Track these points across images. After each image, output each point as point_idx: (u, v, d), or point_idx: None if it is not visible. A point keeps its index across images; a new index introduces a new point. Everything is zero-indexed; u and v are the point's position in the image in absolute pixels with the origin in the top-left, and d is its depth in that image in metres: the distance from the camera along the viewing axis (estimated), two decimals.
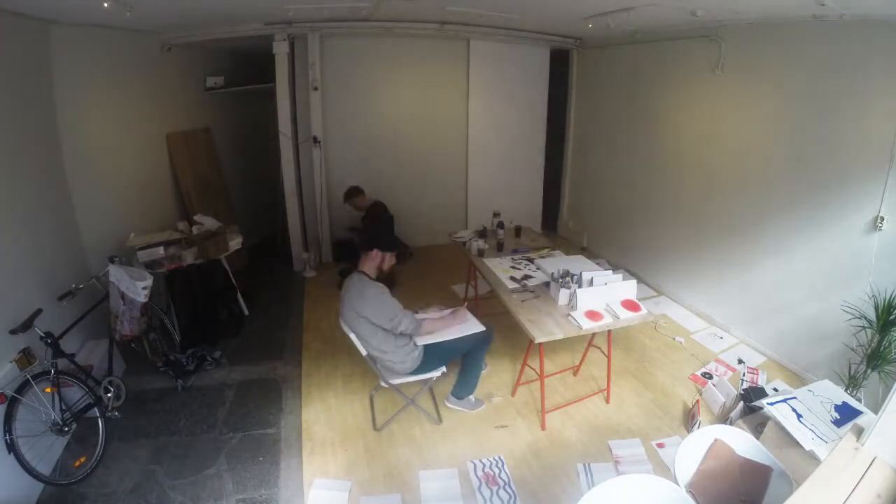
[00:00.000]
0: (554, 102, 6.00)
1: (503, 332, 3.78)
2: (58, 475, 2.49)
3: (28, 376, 2.37)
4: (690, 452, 1.84)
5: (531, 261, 3.48)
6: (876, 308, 2.66)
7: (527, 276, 3.21)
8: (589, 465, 2.57)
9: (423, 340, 2.68)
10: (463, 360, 2.90)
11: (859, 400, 2.54)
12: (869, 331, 2.70)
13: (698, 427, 2.72)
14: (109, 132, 3.66)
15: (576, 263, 3.32)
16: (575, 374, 3.40)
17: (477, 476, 2.52)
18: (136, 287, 2.84)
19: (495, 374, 3.38)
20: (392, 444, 2.75)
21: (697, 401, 2.99)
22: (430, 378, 2.77)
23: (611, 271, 2.98)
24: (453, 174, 5.81)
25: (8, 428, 2.25)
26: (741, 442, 1.88)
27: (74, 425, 2.59)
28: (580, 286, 2.82)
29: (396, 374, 2.68)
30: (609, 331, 2.88)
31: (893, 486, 1.37)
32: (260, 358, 3.63)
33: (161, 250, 3.49)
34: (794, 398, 2.41)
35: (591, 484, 2.45)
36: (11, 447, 2.25)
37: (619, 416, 2.99)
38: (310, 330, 4.03)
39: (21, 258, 2.67)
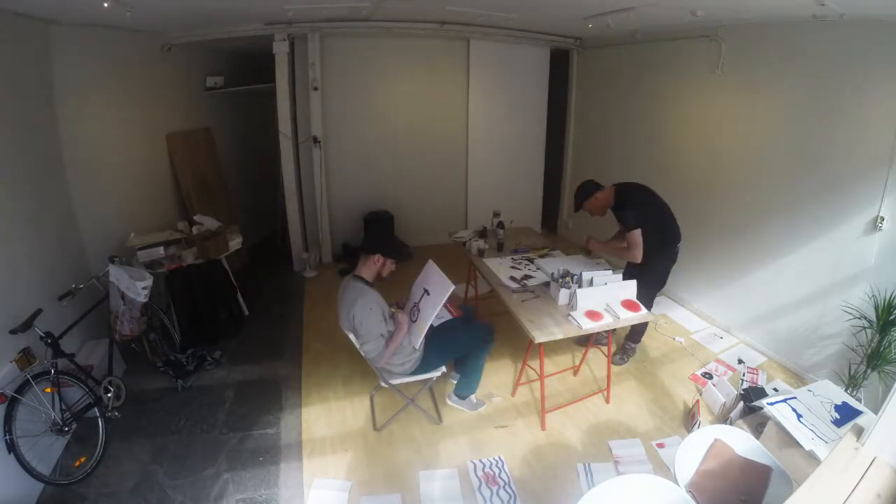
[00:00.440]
0: (554, 102, 6.00)
1: (503, 332, 3.78)
2: (58, 475, 2.49)
3: (28, 376, 2.37)
4: (690, 452, 1.84)
5: (531, 261, 3.48)
6: (876, 308, 2.66)
7: (527, 276, 3.21)
8: (589, 465, 2.57)
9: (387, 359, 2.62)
10: (465, 360, 2.89)
11: (859, 400, 2.54)
12: (869, 331, 2.70)
13: (698, 427, 2.72)
14: (109, 132, 3.66)
15: (576, 263, 3.32)
16: (575, 374, 3.40)
17: (477, 476, 2.52)
18: (136, 287, 2.84)
19: (495, 374, 3.38)
20: (392, 444, 2.75)
21: (697, 401, 2.99)
22: (430, 378, 2.77)
23: (611, 271, 2.98)
24: (453, 174, 5.81)
25: (8, 428, 2.25)
26: (741, 442, 1.88)
27: (74, 425, 2.59)
28: (580, 286, 2.82)
29: (396, 375, 2.68)
30: (609, 331, 2.88)
31: (893, 486, 1.37)
32: (260, 358, 3.63)
33: (161, 250, 3.49)
34: (794, 398, 2.41)
35: (591, 484, 2.45)
36: (11, 447, 2.25)
37: (619, 416, 2.99)
38: (310, 330, 4.03)
39: (21, 258, 2.67)
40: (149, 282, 2.94)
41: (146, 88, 4.05)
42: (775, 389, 3.04)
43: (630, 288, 2.88)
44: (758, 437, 2.22)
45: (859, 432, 1.58)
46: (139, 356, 3.31)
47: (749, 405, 2.81)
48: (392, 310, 2.72)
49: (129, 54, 3.80)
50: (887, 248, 2.78)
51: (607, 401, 3.11)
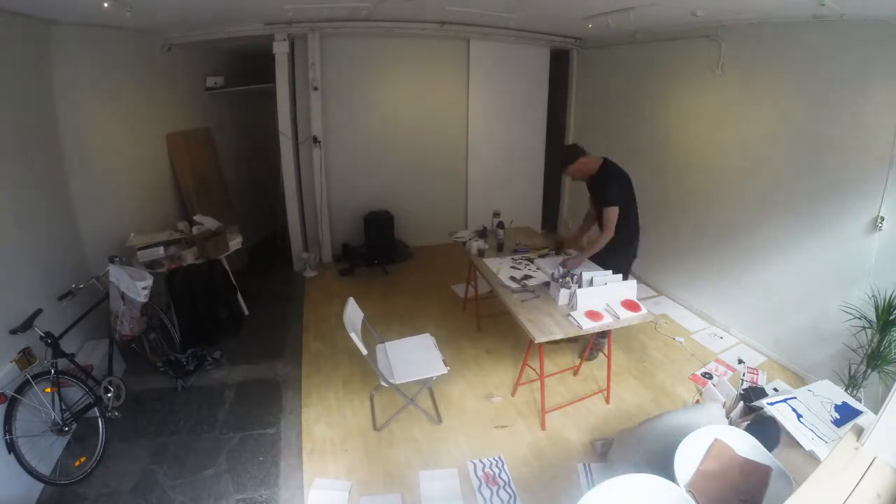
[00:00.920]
0: (554, 102, 5.99)
1: (503, 332, 3.79)
2: (58, 475, 2.49)
3: (28, 376, 2.37)
4: (690, 452, 1.84)
5: (531, 261, 3.48)
6: (876, 308, 2.66)
7: (527, 276, 3.21)
8: (589, 465, 2.57)
9: None
10: None
11: (859, 400, 2.53)
12: (869, 331, 2.70)
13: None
14: (109, 132, 3.66)
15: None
16: (575, 374, 3.40)
17: (477, 476, 2.52)
18: (136, 287, 2.84)
19: (495, 374, 3.38)
20: (392, 444, 2.75)
21: (697, 401, 2.99)
22: (430, 378, 2.77)
23: (610, 271, 2.98)
24: (453, 174, 5.81)
25: (8, 428, 2.26)
26: (741, 442, 1.88)
27: (74, 425, 2.59)
28: (580, 286, 2.82)
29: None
30: (609, 331, 2.88)
31: (893, 485, 1.37)
32: (260, 358, 3.63)
33: (161, 250, 3.49)
34: (794, 398, 2.41)
35: (591, 484, 2.45)
36: (11, 447, 2.26)
37: (619, 416, 2.99)
38: (310, 330, 4.03)
39: (21, 258, 2.67)
40: (149, 282, 2.94)
41: (146, 88, 4.05)
42: (775, 389, 3.04)
43: (630, 288, 2.88)
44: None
45: (859, 432, 1.58)
46: (139, 356, 3.31)
47: (749, 405, 2.80)
48: None
49: (129, 54, 3.80)
50: (887, 248, 2.78)
51: (607, 401, 3.11)
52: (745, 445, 1.87)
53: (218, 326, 3.88)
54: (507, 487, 2.45)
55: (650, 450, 2.12)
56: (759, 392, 2.93)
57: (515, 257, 3.55)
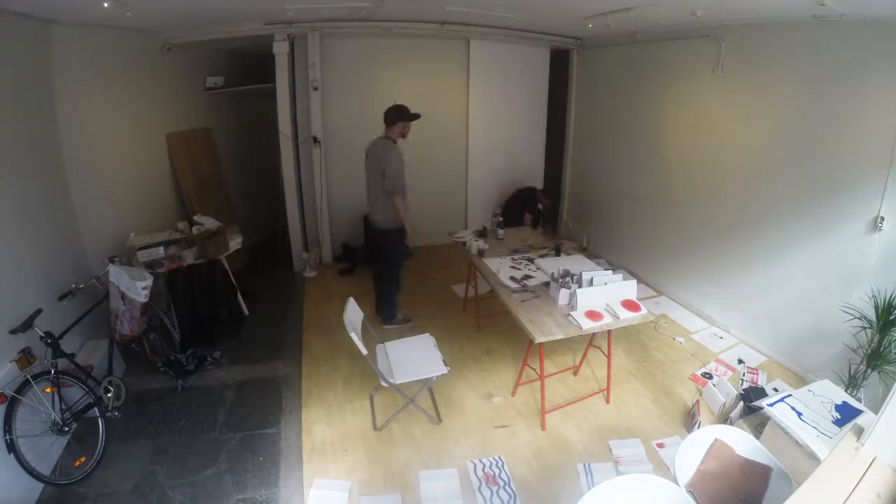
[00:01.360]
0: (554, 102, 5.99)
1: (503, 332, 3.79)
2: (58, 475, 2.49)
3: (28, 376, 2.37)
4: (690, 452, 1.84)
5: (531, 261, 3.48)
6: (876, 308, 2.66)
7: (527, 276, 3.21)
8: (589, 465, 2.57)
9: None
10: (380, 293, 3.87)
11: (859, 400, 2.54)
12: (869, 331, 2.70)
13: (698, 427, 2.72)
14: (109, 132, 3.66)
15: (576, 263, 3.33)
16: (575, 374, 3.41)
17: (477, 476, 2.52)
18: (136, 287, 2.84)
19: (495, 374, 3.38)
20: (392, 444, 2.75)
21: (697, 401, 2.99)
22: (430, 378, 2.77)
23: (611, 271, 2.98)
24: (453, 174, 5.81)
25: (8, 428, 2.26)
26: (741, 442, 1.88)
27: (74, 425, 2.59)
28: (580, 286, 2.82)
29: (377, 222, 3.72)
30: (609, 331, 2.88)
31: (893, 486, 1.37)
32: (260, 358, 3.63)
33: (161, 250, 3.49)
34: (791, 395, 2.41)
35: (591, 484, 2.45)
36: (11, 447, 2.25)
37: (619, 416, 2.99)
38: (310, 330, 4.03)
39: (21, 258, 2.67)
40: (149, 282, 2.93)
41: (146, 88, 4.05)
42: (775, 389, 3.05)
43: (630, 288, 2.88)
44: (758, 437, 2.22)
45: (859, 432, 1.58)
46: (139, 356, 3.31)
47: (749, 405, 2.81)
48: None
49: (129, 54, 3.80)
50: (887, 249, 2.78)
51: (607, 401, 3.11)
52: (745, 445, 1.87)
53: (218, 326, 3.88)
54: (507, 487, 2.45)
55: None
56: (759, 392, 2.94)
57: (515, 257, 3.55)
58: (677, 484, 1.69)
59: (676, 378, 3.35)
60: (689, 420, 2.90)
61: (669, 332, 3.96)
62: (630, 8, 3.38)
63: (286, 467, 2.61)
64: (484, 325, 4.01)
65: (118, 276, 2.82)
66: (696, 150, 4.15)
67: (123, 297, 2.83)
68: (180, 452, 2.70)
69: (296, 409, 3.06)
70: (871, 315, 2.69)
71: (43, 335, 2.44)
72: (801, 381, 3.25)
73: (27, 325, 2.39)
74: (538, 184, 6.27)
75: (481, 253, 3.65)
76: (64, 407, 2.50)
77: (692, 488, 1.71)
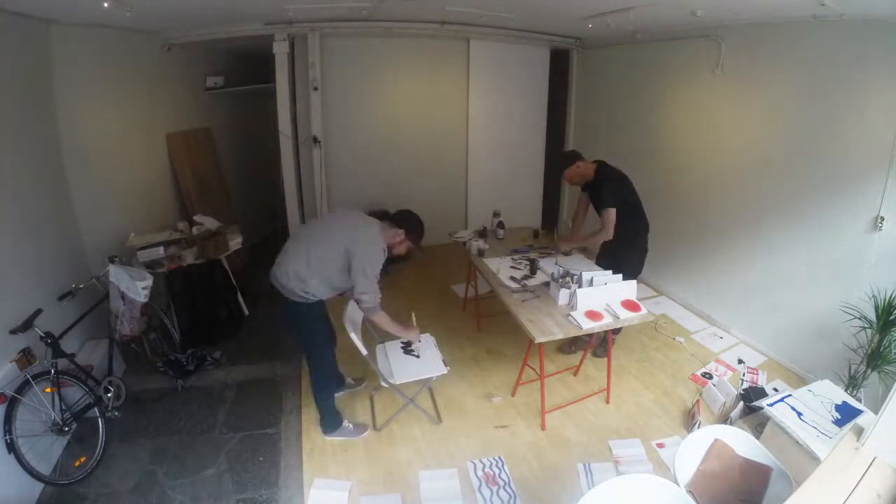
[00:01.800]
0: (554, 102, 5.99)
1: (503, 332, 3.79)
2: (58, 475, 2.49)
3: (28, 376, 2.36)
4: (690, 452, 1.84)
5: (531, 261, 3.47)
6: (876, 308, 2.66)
7: (527, 276, 3.20)
8: (589, 465, 2.57)
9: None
10: (313, 392, 2.77)
11: (859, 400, 2.54)
12: (869, 331, 2.70)
13: (698, 427, 2.72)
14: (109, 132, 3.66)
15: (576, 263, 3.32)
16: (575, 374, 3.41)
17: (477, 476, 2.52)
18: (136, 287, 2.84)
19: (495, 374, 3.38)
20: (392, 444, 2.75)
21: (697, 401, 2.99)
22: (430, 378, 2.77)
23: (610, 271, 2.98)
24: (453, 174, 5.81)
25: (8, 428, 2.25)
26: (741, 442, 1.88)
27: (74, 425, 2.59)
28: (580, 286, 2.82)
29: (288, 290, 2.45)
30: (609, 331, 2.88)
31: (893, 485, 1.37)
32: (260, 358, 3.63)
33: (161, 250, 3.49)
34: (791, 395, 2.41)
35: (591, 484, 2.45)
36: (11, 447, 2.25)
37: (619, 416, 2.99)
38: None
39: (21, 258, 2.66)
40: (149, 282, 2.94)
41: (146, 88, 4.05)
42: (775, 389, 3.05)
43: (630, 288, 2.88)
44: (758, 437, 2.22)
45: (859, 432, 1.58)
46: (139, 356, 3.31)
47: (749, 405, 2.81)
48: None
49: (129, 54, 3.80)
50: (887, 248, 2.78)
51: (607, 401, 3.11)
52: (746, 445, 1.87)
53: (218, 326, 3.88)
54: (507, 487, 2.45)
55: None
56: (759, 392, 2.94)
57: (515, 257, 3.55)
58: (677, 484, 1.69)
59: (676, 378, 3.35)
60: (689, 420, 2.90)
61: (669, 332, 3.96)
62: (630, 8, 3.38)
63: (286, 467, 2.61)
64: (484, 325, 4.01)
65: (118, 276, 2.82)
66: (696, 150, 4.15)
67: (123, 297, 2.83)
68: (180, 452, 2.70)
69: (296, 409, 3.05)
70: (871, 315, 2.69)
71: (43, 335, 2.44)
72: (801, 381, 3.24)
73: (27, 325, 2.39)
74: (538, 183, 6.28)
75: (481, 253, 3.65)
76: (64, 407, 2.50)
77: (692, 488, 1.71)
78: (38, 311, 2.47)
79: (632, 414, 3.00)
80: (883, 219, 2.77)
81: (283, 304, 2.53)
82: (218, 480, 2.52)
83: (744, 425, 2.58)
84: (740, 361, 3.51)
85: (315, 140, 4.95)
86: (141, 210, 3.97)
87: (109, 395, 2.78)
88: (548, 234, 4.34)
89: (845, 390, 2.62)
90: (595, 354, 3.50)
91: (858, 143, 2.88)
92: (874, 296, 2.68)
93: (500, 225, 4.02)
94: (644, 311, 2.79)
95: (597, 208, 3.21)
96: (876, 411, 1.65)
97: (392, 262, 5.14)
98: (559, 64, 5.83)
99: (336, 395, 2.94)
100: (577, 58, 5.76)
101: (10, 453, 2.25)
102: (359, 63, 5.03)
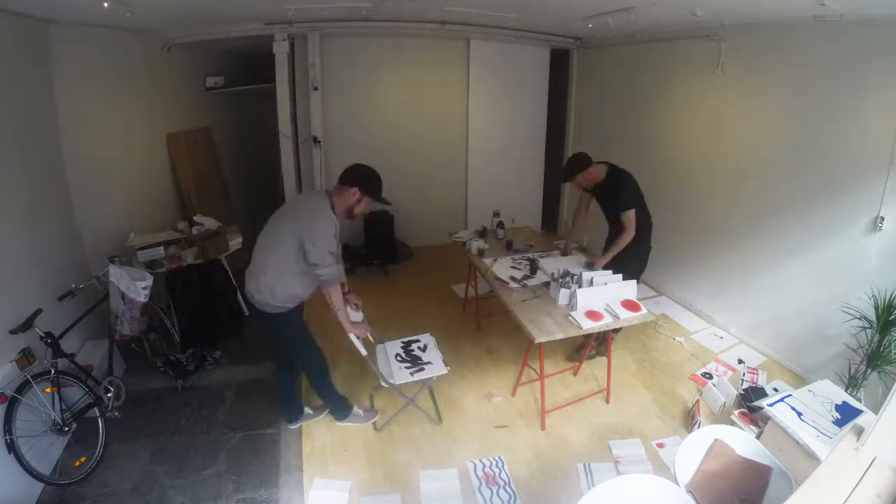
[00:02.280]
0: (554, 102, 5.99)
1: (503, 332, 3.79)
2: (58, 475, 2.49)
3: (28, 376, 2.36)
4: (690, 452, 1.84)
5: (531, 261, 3.47)
6: (876, 308, 2.66)
7: (527, 276, 3.20)
8: (589, 465, 2.57)
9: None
10: (315, 390, 2.79)
11: (859, 400, 2.54)
12: (869, 331, 2.70)
13: (698, 427, 2.72)
14: (109, 132, 3.66)
15: (576, 263, 3.32)
16: (575, 374, 3.40)
17: (477, 476, 2.52)
18: (136, 287, 2.84)
19: (495, 374, 3.38)
20: (392, 444, 2.75)
21: (697, 401, 2.99)
22: (430, 378, 2.77)
23: (610, 271, 2.98)
24: (453, 174, 5.81)
25: (8, 428, 2.25)
26: (741, 442, 1.88)
27: (74, 425, 2.59)
28: (580, 286, 2.82)
29: (263, 304, 2.41)
30: (609, 331, 2.88)
31: (893, 486, 1.37)
32: (260, 358, 3.62)
33: (161, 250, 3.49)
34: (791, 395, 2.41)
35: (591, 484, 2.45)
36: (11, 447, 2.25)
37: (619, 416, 2.99)
38: (310, 329, 4.02)
39: (21, 258, 2.66)
40: (149, 282, 2.94)
41: (146, 88, 4.05)
42: (775, 389, 3.05)
43: (630, 288, 2.88)
44: (758, 438, 2.22)
45: (859, 432, 1.58)
46: (139, 356, 3.31)
47: (749, 405, 2.81)
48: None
49: (129, 54, 3.80)
50: (887, 249, 2.78)
51: (607, 401, 3.11)
52: (745, 445, 1.87)
53: (218, 326, 3.87)
54: (507, 487, 2.45)
55: None
56: (759, 392, 2.95)
57: (515, 257, 3.55)
58: (677, 484, 1.69)
59: (676, 378, 3.35)
60: (689, 420, 2.90)
61: (669, 332, 3.96)
62: (630, 8, 3.38)
63: (286, 467, 2.61)
64: (484, 325, 4.01)
65: (118, 276, 2.83)
66: (696, 150, 4.15)
67: (123, 297, 2.83)
68: (180, 452, 2.69)
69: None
70: (871, 315, 2.69)
71: (43, 335, 2.44)
72: (801, 381, 3.24)
73: (27, 325, 2.39)
74: (538, 183, 6.28)
75: (481, 253, 3.65)
76: (64, 407, 2.50)
77: (692, 488, 1.71)
78: (38, 311, 2.47)
79: (632, 414, 3.00)
80: (883, 219, 2.77)
81: (261, 318, 2.47)
82: (218, 480, 2.52)
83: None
84: (740, 361, 3.51)
85: (315, 140, 4.95)
86: (141, 210, 3.97)
87: (109, 395, 2.78)
88: (547, 235, 4.34)
89: (845, 390, 2.62)
90: (590, 357, 3.49)
91: (858, 143, 2.88)
92: (874, 296, 2.68)
93: (500, 225, 4.02)
94: (644, 311, 2.79)
95: (612, 210, 3.21)
96: (876, 411, 1.65)
97: (391, 261, 5.19)
98: (559, 64, 5.83)
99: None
100: (577, 58, 5.76)
101: (10, 453, 2.25)
102: (359, 63, 5.03)
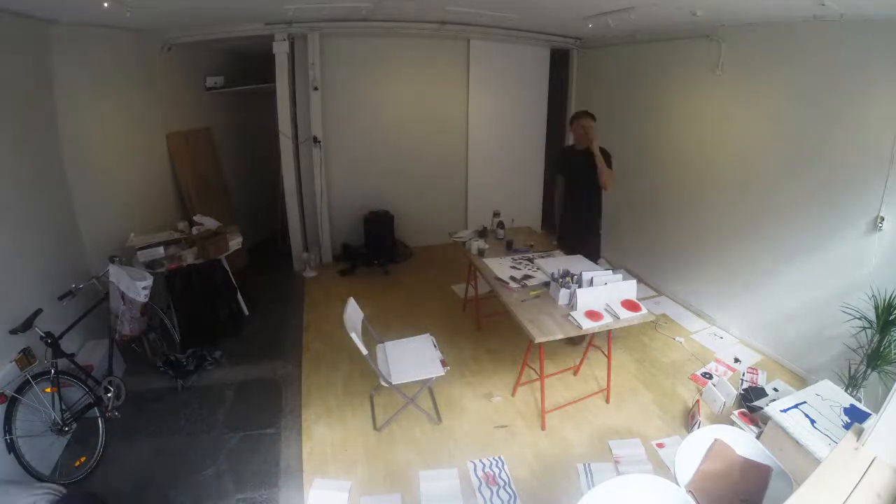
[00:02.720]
0: (554, 102, 5.99)
1: (503, 332, 3.79)
2: (58, 475, 2.49)
3: (28, 376, 2.37)
4: (690, 452, 1.84)
5: (531, 261, 3.48)
6: (876, 308, 2.66)
7: (527, 276, 3.21)
8: (589, 465, 2.57)
9: None
10: None
11: (859, 400, 2.54)
12: (869, 331, 2.70)
13: (698, 427, 2.72)
14: (109, 132, 3.66)
15: (576, 263, 3.32)
16: (575, 374, 3.40)
17: (477, 476, 2.52)
18: (136, 287, 2.84)
19: (495, 374, 3.38)
20: (392, 444, 2.75)
21: (697, 401, 2.99)
22: (430, 378, 2.77)
23: (611, 271, 2.98)
24: (453, 174, 5.81)
25: (8, 428, 2.26)
26: (741, 442, 1.88)
27: (74, 425, 2.59)
28: (580, 286, 2.82)
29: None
30: (609, 331, 2.88)
31: (893, 486, 1.37)
32: (260, 358, 3.63)
33: (161, 250, 3.50)
34: (805, 402, 2.39)
35: (591, 484, 2.45)
36: (11, 447, 2.26)
37: (619, 416, 2.99)
38: (310, 330, 4.03)
39: (21, 258, 2.67)
40: (149, 282, 2.94)
41: (146, 88, 4.05)
42: (775, 389, 3.05)
43: (630, 288, 2.88)
44: (758, 437, 2.22)
45: (859, 432, 1.58)
46: (139, 356, 3.31)
47: (749, 405, 2.81)
48: None
49: (129, 54, 3.80)
50: (887, 249, 2.78)
51: (607, 401, 3.11)
52: (746, 445, 1.88)
53: (218, 326, 3.88)
54: (507, 487, 2.45)
55: None
56: (759, 392, 2.95)
57: (515, 257, 3.55)
58: (677, 484, 1.69)
59: (676, 378, 3.35)
60: (689, 420, 2.90)
61: (669, 332, 3.96)
62: (630, 8, 3.38)
63: (286, 467, 2.61)
64: (484, 325, 4.01)
65: (118, 276, 2.83)
66: (697, 150, 4.14)
67: (123, 297, 2.83)
68: (180, 452, 2.69)
69: (296, 409, 3.05)
70: (871, 315, 2.69)
71: (43, 335, 2.44)
72: (800, 380, 3.25)
73: (27, 325, 2.39)
74: (538, 183, 6.28)
75: (481, 253, 3.65)
76: (64, 407, 2.50)
77: (692, 488, 1.71)
78: (38, 311, 2.47)
79: (632, 414, 3.00)
80: (883, 219, 2.77)
81: None
82: (218, 480, 2.52)
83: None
84: (740, 361, 3.51)
85: (315, 140, 4.95)
86: (141, 210, 3.97)
87: (109, 394, 2.78)
88: (547, 235, 4.35)
89: (845, 390, 2.62)
90: (573, 343, 3.55)
91: (858, 143, 2.88)
92: (874, 296, 2.68)
93: (500, 225, 4.02)
94: (644, 311, 2.79)
95: (602, 168, 3.53)
96: (876, 411, 1.65)
97: (391, 261, 5.20)
98: (559, 64, 5.83)
99: None
100: (577, 58, 5.76)
101: (10, 453, 2.25)
102: (359, 63, 5.03)
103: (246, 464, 2.63)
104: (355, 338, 2.60)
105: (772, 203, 3.47)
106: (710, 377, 3.30)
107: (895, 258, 2.75)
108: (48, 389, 2.44)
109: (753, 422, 2.70)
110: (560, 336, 2.58)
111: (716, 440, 1.88)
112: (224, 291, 4.01)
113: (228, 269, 4.03)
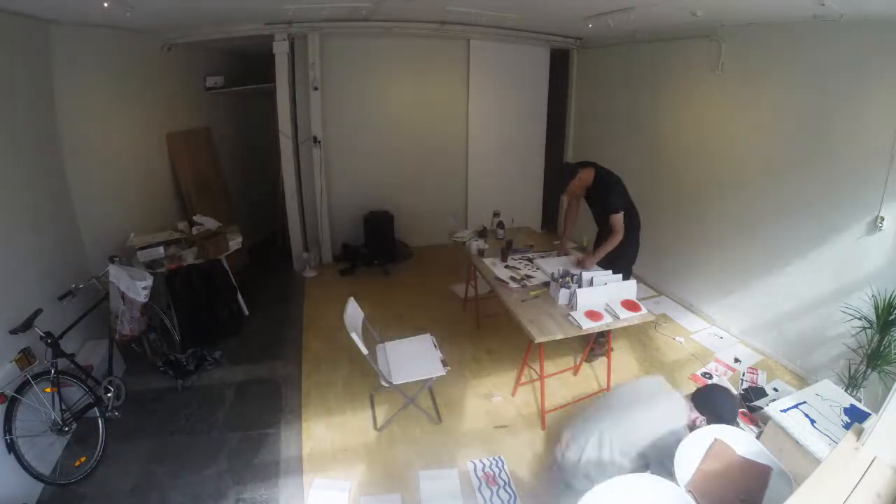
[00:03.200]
0: (554, 102, 5.99)
1: (503, 332, 3.79)
2: (58, 475, 2.49)
3: (28, 376, 2.37)
4: (690, 452, 1.84)
5: (531, 261, 3.48)
6: (876, 308, 2.66)
7: (527, 276, 3.21)
8: None
9: None
10: None
11: (859, 400, 2.54)
12: (869, 331, 2.70)
13: (698, 427, 2.72)
14: (109, 132, 3.66)
15: (571, 263, 3.32)
16: (575, 374, 3.40)
17: (477, 476, 2.52)
18: (136, 287, 2.84)
19: (495, 374, 3.38)
20: (392, 444, 2.75)
21: None
22: (430, 378, 2.77)
23: (610, 271, 2.98)
24: (453, 174, 5.81)
25: (8, 428, 2.26)
26: (741, 442, 1.88)
27: (74, 425, 2.59)
28: (580, 286, 2.82)
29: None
30: (609, 331, 2.88)
31: (893, 486, 1.37)
32: (260, 358, 3.63)
33: (161, 250, 3.50)
34: (805, 402, 2.38)
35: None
36: (11, 447, 2.26)
37: None
38: (310, 330, 4.03)
39: (21, 258, 2.66)
40: (149, 282, 2.94)
41: (146, 88, 4.05)
42: (775, 389, 3.05)
43: (630, 288, 2.88)
44: (758, 437, 2.22)
45: (859, 432, 1.58)
46: (139, 356, 3.31)
47: (749, 405, 2.81)
48: None
49: (129, 54, 3.80)
50: (887, 249, 2.78)
51: None
52: (746, 445, 1.87)
53: (218, 326, 3.87)
54: (507, 487, 2.45)
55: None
56: (759, 392, 2.95)
57: (515, 257, 3.54)
58: (677, 484, 1.69)
59: (676, 378, 3.35)
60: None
61: (669, 332, 3.96)
62: (630, 8, 3.38)
63: (286, 467, 2.61)
64: (484, 325, 4.01)
65: (118, 276, 2.82)
66: (696, 150, 4.15)
67: (123, 297, 2.83)
68: (180, 452, 2.69)
69: (296, 409, 3.06)
70: (871, 315, 2.69)
71: (43, 335, 2.44)
72: (800, 380, 3.25)
73: (27, 325, 2.39)
74: (538, 183, 6.28)
75: (481, 253, 3.65)
76: (64, 407, 2.50)
77: (692, 488, 1.71)
78: (38, 311, 2.47)
79: None
80: (883, 219, 2.77)
81: None
82: (218, 480, 2.52)
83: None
84: (740, 361, 3.51)
85: (315, 140, 4.96)
86: (141, 210, 3.97)
87: (109, 394, 2.78)
88: (547, 235, 4.34)
89: (845, 390, 2.62)
90: (590, 359, 3.49)
91: (858, 143, 2.88)
92: (874, 296, 2.68)
93: (500, 225, 4.02)
94: (644, 311, 2.79)
95: (602, 213, 3.25)
96: (876, 411, 1.65)
97: (391, 261, 5.19)
98: (559, 64, 5.83)
99: None
100: (577, 58, 5.76)
101: (10, 453, 2.25)
102: (359, 63, 5.03)
103: (246, 464, 2.63)
104: (356, 338, 2.60)
105: (771, 202, 3.47)
106: (710, 377, 3.30)
107: (895, 258, 2.75)
108: (48, 389, 2.44)
109: (753, 422, 2.70)
110: (560, 336, 2.58)
111: (716, 440, 1.88)
112: (224, 291, 4.01)
113: (228, 269, 4.03)
